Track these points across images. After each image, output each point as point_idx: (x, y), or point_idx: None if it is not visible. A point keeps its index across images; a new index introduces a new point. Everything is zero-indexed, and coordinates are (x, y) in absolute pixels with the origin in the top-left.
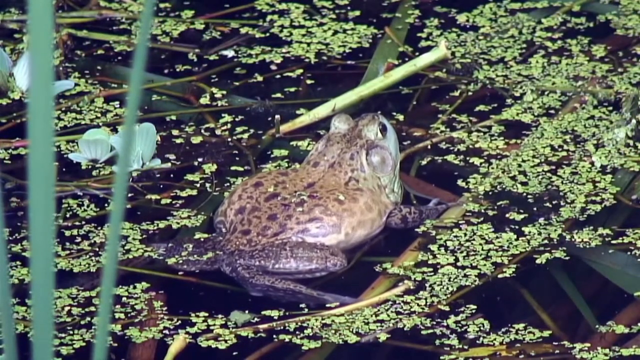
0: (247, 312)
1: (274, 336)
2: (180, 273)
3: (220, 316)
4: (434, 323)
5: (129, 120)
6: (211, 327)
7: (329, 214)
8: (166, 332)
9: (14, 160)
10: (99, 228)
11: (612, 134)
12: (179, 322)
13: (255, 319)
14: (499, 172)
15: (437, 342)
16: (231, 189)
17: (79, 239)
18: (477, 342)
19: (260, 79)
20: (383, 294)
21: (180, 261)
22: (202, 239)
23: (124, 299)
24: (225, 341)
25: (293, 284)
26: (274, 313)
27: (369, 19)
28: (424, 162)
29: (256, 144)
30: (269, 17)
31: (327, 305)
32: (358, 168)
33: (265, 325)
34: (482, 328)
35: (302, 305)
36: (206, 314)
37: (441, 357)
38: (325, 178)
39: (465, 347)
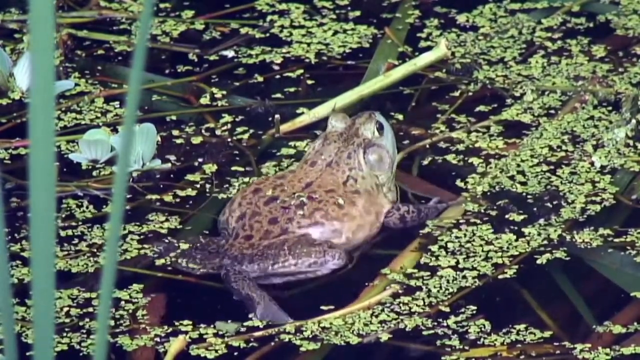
0: (229, 321)
1: (275, 340)
2: (173, 271)
3: (218, 319)
4: (435, 323)
5: (129, 120)
6: (209, 331)
7: (329, 219)
8: (165, 332)
9: (14, 160)
10: (99, 229)
11: (612, 134)
12: (178, 324)
13: (241, 329)
14: (496, 171)
15: (438, 342)
16: (231, 192)
17: (77, 240)
18: (478, 342)
19: (260, 79)
20: (372, 298)
21: (180, 262)
22: (204, 241)
23: (122, 300)
24: (215, 351)
25: (260, 292)
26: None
27: (369, 19)
28: (424, 162)
29: (256, 144)
30: (269, 18)
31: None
32: (356, 167)
33: (259, 333)
34: (482, 329)
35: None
36: (203, 317)
37: (442, 358)
38: (322, 177)
39: (466, 347)
